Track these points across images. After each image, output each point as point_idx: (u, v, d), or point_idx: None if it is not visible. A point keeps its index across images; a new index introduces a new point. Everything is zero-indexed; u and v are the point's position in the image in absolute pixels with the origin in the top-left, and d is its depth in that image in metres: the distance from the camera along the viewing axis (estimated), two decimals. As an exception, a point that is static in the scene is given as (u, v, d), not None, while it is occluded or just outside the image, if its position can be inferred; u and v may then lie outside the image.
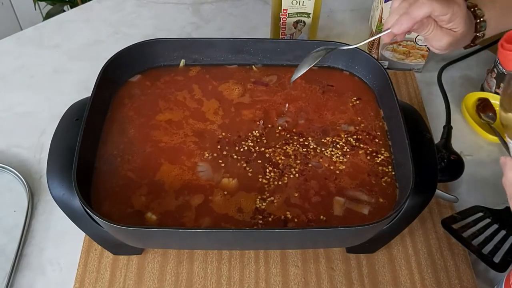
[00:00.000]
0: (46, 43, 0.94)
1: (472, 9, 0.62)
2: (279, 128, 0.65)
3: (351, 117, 0.66)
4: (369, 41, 0.88)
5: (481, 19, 0.62)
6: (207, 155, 0.62)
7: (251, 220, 0.56)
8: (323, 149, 0.62)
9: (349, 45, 0.61)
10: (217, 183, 0.59)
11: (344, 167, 0.61)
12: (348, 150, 0.62)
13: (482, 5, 0.62)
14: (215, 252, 0.63)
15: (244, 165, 0.61)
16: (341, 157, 0.62)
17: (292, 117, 0.66)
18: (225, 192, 0.58)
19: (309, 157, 0.62)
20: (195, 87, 0.70)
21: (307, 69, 0.60)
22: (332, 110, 0.67)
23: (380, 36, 0.58)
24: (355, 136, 0.64)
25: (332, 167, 0.61)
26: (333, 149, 0.62)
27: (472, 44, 0.65)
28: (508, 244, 0.63)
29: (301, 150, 0.62)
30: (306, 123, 0.65)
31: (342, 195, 0.58)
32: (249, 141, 0.63)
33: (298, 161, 0.61)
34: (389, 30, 0.57)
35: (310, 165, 0.61)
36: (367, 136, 0.64)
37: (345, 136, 0.64)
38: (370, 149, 0.63)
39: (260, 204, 0.57)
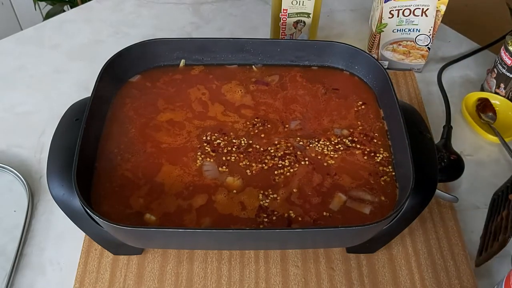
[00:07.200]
0: (46, 43, 0.94)
1: None
2: (285, 128, 0.65)
3: (351, 121, 0.66)
4: (369, 41, 0.88)
5: None
6: (209, 155, 0.62)
7: (256, 218, 0.56)
8: (316, 145, 0.63)
9: None
10: (222, 182, 0.59)
11: (333, 162, 0.61)
12: (341, 148, 0.63)
13: None
14: (215, 252, 0.63)
15: (246, 163, 0.61)
16: (332, 152, 0.62)
17: (293, 118, 0.66)
18: (235, 191, 0.58)
19: (300, 150, 0.62)
20: (197, 87, 0.69)
21: None
22: (334, 113, 0.67)
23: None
24: (350, 138, 0.64)
25: (319, 157, 0.61)
26: (329, 146, 0.63)
27: None
28: None
29: (291, 147, 0.63)
30: (306, 124, 0.66)
31: (345, 193, 0.58)
32: (251, 141, 0.63)
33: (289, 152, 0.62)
34: None
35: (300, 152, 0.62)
36: (364, 138, 0.64)
37: (339, 139, 0.64)
38: (368, 149, 0.63)
39: (263, 201, 0.57)
